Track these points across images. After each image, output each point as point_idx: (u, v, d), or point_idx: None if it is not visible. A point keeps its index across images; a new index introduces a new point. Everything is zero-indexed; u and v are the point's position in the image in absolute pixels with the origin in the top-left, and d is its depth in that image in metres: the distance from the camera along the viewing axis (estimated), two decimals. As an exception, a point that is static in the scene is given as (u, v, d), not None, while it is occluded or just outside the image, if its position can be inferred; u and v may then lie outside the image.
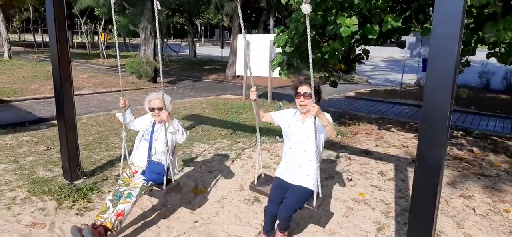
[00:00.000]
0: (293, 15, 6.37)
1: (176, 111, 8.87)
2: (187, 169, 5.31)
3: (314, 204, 3.18)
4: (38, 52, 25.82)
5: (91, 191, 4.41)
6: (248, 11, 23.26)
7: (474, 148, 6.51)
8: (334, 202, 4.38)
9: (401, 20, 5.60)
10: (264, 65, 10.59)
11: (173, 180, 3.71)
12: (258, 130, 3.58)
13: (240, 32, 17.57)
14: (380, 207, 4.27)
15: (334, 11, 5.93)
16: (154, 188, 3.63)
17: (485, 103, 12.40)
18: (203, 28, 53.78)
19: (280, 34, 6.39)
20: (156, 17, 3.34)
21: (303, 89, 3.23)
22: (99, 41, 25.14)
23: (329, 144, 6.53)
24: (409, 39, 13.85)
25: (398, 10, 6.25)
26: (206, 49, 36.63)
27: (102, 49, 24.15)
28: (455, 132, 7.78)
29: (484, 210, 4.19)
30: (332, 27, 5.79)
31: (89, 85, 12.12)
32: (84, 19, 26.63)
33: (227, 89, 13.69)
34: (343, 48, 6.11)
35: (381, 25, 5.83)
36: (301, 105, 3.26)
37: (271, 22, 22.35)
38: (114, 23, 4.10)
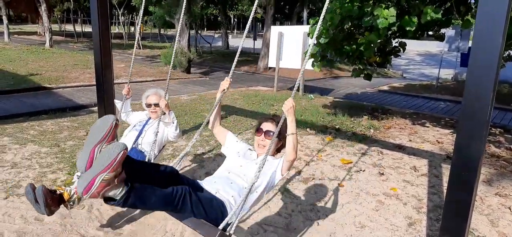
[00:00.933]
0: (329, 5, 6.30)
1: (209, 101, 9.02)
2: (218, 157, 5.42)
3: (220, 226, 2.14)
4: (78, 42, 26.81)
5: (127, 176, 4.59)
6: (282, 3, 23.17)
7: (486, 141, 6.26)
8: (364, 196, 4.35)
9: (441, 11, 5.43)
10: (297, 57, 10.56)
11: None
12: (202, 127, 2.82)
13: (274, 24, 17.54)
14: (412, 203, 4.20)
15: (371, 2, 5.82)
16: None
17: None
18: (236, 20, 53.96)
19: (315, 25, 6.34)
20: (183, 8, 3.41)
21: (266, 126, 2.72)
22: (136, 31, 25.79)
23: (361, 139, 6.46)
24: (448, 32, 13.36)
25: (438, 1, 6.06)
26: (239, 41, 36.82)
27: (138, 40, 24.77)
28: (493, 129, 7.49)
29: (523, 210, 4.05)
30: (369, 18, 5.70)
31: (125, 74, 12.49)
32: (121, 10, 27.40)
33: (259, 81, 13.75)
34: (379, 40, 6.01)
35: (419, 17, 5.68)
36: (259, 145, 2.71)
37: (305, 13, 22.16)
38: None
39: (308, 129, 6.79)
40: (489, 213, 3.99)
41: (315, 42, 6.58)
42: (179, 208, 2.09)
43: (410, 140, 6.58)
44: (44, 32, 23.24)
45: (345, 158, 5.50)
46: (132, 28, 35.15)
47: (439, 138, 6.73)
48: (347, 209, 4.06)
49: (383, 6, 5.65)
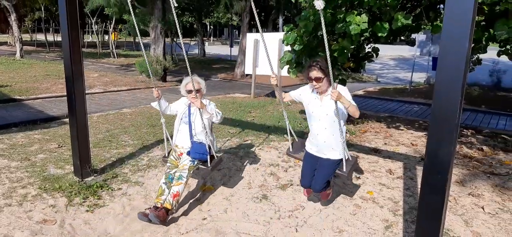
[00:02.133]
0: (303, 13, 6.37)
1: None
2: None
3: (344, 169, 3.50)
4: (49, 52, 26.14)
5: (101, 188, 4.47)
6: (257, 10, 23.28)
7: (484, 147, 6.45)
8: (342, 200, 4.38)
9: (412, 17, 5.57)
10: (273, 64, 10.59)
11: (215, 156, 4.10)
12: (283, 109, 4.12)
13: (250, 31, 17.60)
14: (388, 205, 4.26)
15: (343, 8, 5.91)
16: (200, 166, 4.04)
17: (496, 101, 12.24)
18: (212, 27, 53.91)
19: (289, 32, 6.39)
20: (174, 14, 3.46)
21: (313, 74, 3.41)
22: (109, 41, 25.34)
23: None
24: (419, 37, 13.72)
25: (408, 7, 6.22)
26: (215, 48, 36.75)
27: (113, 49, 24.36)
28: (464, 130, 7.72)
29: (493, 209, 4.16)
30: (341, 24, 5.78)
31: (99, 84, 12.25)
32: (94, 18, 26.90)
33: (236, 88, 13.74)
34: (352, 46, 6.10)
35: (391, 22, 5.80)
36: (315, 88, 3.50)
37: (280, 20, 22.33)
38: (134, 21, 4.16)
39: (285, 136, 6.80)
40: (463, 213, 4.08)
41: (290, 49, 6.64)
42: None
43: (385, 143, 6.69)
44: (14, 42, 22.54)
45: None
46: (106, 37, 34.50)
47: (413, 141, 6.87)
48: (325, 214, 4.08)
49: (355, 12, 5.74)
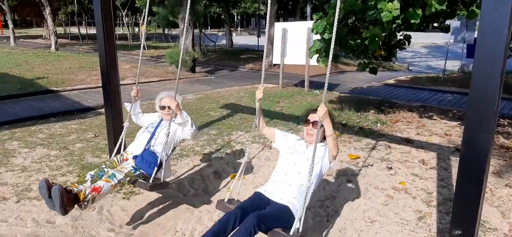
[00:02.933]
0: (332, 1, 6.28)
1: (215, 100, 9.04)
2: (226, 156, 5.43)
3: (291, 232, 2.57)
4: (83, 44, 26.95)
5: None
6: (284, -1, 23.14)
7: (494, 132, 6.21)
8: (373, 191, 4.34)
9: (446, 3, 5.39)
10: (301, 53, 10.54)
11: (161, 178, 3.56)
12: (247, 150, 3.22)
13: (277, 20, 17.50)
14: (422, 196, 4.19)
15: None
16: (140, 180, 3.44)
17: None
18: (239, 17, 53.93)
19: (319, 20, 6.33)
20: (188, 7, 3.44)
21: (313, 117, 3.02)
22: (140, 32, 25.85)
23: (368, 133, 6.45)
24: (453, 23, 13.24)
25: (442, -8, 6.00)
26: (242, 39, 36.78)
27: (143, 41, 24.85)
28: (501, 120, 7.43)
29: (534, 201, 4.02)
30: (372, 12, 5.66)
31: (131, 75, 12.54)
32: (125, 11, 27.48)
33: (264, 78, 13.72)
34: (384, 34, 5.98)
35: (424, 8, 5.64)
36: (308, 133, 3.07)
37: (308, 9, 22.08)
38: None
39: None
40: (500, 205, 3.96)
41: (319, 37, 6.57)
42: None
43: (418, 134, 6.55)
44: (49, 36, 23.38)
45: (352, 153, 5.49)
46: (136, 29, 35.20)
47: (447, 131, 6.69)
48: (356, 205, 4.06)
49: None
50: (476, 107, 2.30)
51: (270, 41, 17.09)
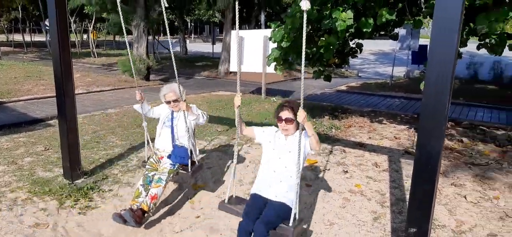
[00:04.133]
0: (290, 10, 6.45)
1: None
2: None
3: (290, 223, 2.94)
4: (27, 52, 25.53)
5: (92, 190, 4.47)
6: (239, 7, 23.27)
7: (464, 139, 6.68)
8: (331, 194, 4.50)
9: (395, 13, 5.72)
10: (258, 61, 10.67)
11: (196, 161, 4.08)
12: (236, 146, 3.41)
13: (233, 28, 17.59)
14: (376, 198, 4.40)
15: (329, 5, 6.02)
16: (180, 171, 4.01)
17: (473, 93, 12.62)
18: (192, 24, 53.54)
19: (277, 29, 6.46)
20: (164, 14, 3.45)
21: (284, 114, 3.15)
22: (89, 40, 24.92)
23: (324, 138, 6.66)
24: (400, 31, 14.01)
25: (391, 3, 6.37)
26: (196, 46, 36.55)
27: (93, 48, 23.99)
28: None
29: (475, 198, 4.35)
30: (327, 21, 5.88)
31: (82, 84, 12.08)
32: (73, 17, 26.40)
33: (220, 86, 13.75)
34: (338, 42, 6.21)
35: (375, 18, 5.95)
36: (283, 129, 3.20)
37: (262, 17, 22.38)
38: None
39: (273, 132, 6.89)
40: (447, 203, 4.25)
41: (276, 46, 6.71)
42: None
43: (370, 138, 6.85)
44: (-11, 43, 21.93)
45: (310, 158, 5.65)
46: (85, 36, 33.84)
47: (396, 134, 7.06)
48: (315, 208, 4.19)
49: (341, 9, 5.86)
50: (428, 114, 2.48)
51: (226, 49, 17.18)
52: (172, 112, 4.13)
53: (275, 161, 3.21)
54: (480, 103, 10.74)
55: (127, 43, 4.44)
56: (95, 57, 23.27)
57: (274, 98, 10.25)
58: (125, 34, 4.26)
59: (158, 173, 3.91)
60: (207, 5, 16.85)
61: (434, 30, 2.41)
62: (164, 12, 3.66)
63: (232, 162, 3.43)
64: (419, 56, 15.32)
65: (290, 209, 3.01)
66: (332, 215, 4.04)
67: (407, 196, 4.37)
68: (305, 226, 3.83)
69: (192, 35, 53.66)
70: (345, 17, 5.77)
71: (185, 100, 3.93)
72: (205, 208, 4.23)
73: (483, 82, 15.47)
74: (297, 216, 3.00)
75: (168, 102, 4.05)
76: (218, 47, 26.58)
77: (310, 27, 6.64)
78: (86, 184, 4.59)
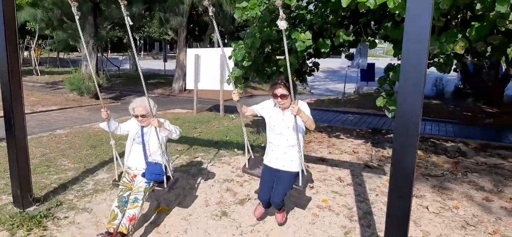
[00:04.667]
0: (249, 30, 6.48)
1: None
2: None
3: (300, 184, 3.65)
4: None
5: (46, 218, 4.13)
6: (191, 25, 23.14)
7: (418, 151, 6.98)
8: (300, 211, 4.49)
9: (352, 34, 5.93)
10: (215, 79, 10.60)
11: (171, 176, 4.00)
12: (243, 127, 4.05)
13: (186, 46, 17.40)
14: (344, 212, 4.45)
15: (288, 26, 6.12)
16: (156, 187, 3.92)
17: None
18: (141, 41, 52.39)
19: (237, 49, 6.46)
20: (129, 31, 3.31)
21: (279, 91, 3.54)
22: (32, 57, 23.51)
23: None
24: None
25: (346, 24, 6.61)
26: (146, 63, 35.70)
27: (35, 65, 22.67)
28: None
29: (436, 208, 4.53)
30: (288, 41, 5.96)
31: (26, 104, 11.27)
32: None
33: (176, 103, 13.47)
34: (297, 62, 6.32)
35: (331, 38, 6.13)
36: (279, 105, 3.63)
37: (216, 36, 22.37)
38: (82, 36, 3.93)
39: (235, 150, 6.83)
40: (411, 214, 4.38)
41: (235, 64, 6.71)
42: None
43: (330, 152, 6.98)
44: None
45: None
46: (26, 53, 31.92)
47: (354, 148, 7.25)
48: (285, 226, 4.15)
49: (299, 30, 5.99)
50: (402, 132, 2.54)
51: (180, 67, 16.94)
52: (142, 127, 3.94)
53: (277, 137, 3.71)
54: (428, 117, 11.35)
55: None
56: (38, 75, 22.01)
57: (232, 116, 10.19)
58: (85, 49, 4.04)
59: (133, 193, 3.76)
60: (159, 23, 16.54)
61: (405, 50, 2.49)
62: (129, 30, 3.48)
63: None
64: (367, 73, 16.05)
65: (296, 173, 3.67)
66: (303, 232, 4.02)
67: (374, 210, 4.49)
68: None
69: (142, 52, 52.45)
70: (304, 38, 5.92)
71: (155, 116, 3.77)
72: (171, 232, 4.04)
73: (428, 97, 16.41)
74: (305, 172, 3.66)
75: (136, 117, 3.89)
76: (169, 65, 26.18)
77: (270, 46, 6.71)
78: (39, 211, 4.22)
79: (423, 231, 3.98)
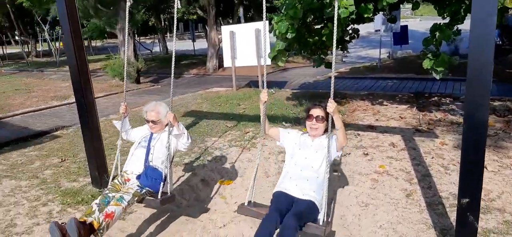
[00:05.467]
0: (288, 1, 6.51)
1: (174, 110, 8.88)
2: (208, 163, 5.45)
3: (321, 223, 2.86)
4: (4, 66, 24.76)
5: (124, 196, 4.47)
6: (220, 3, 23.18)
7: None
8: (358, 177, 4.65)
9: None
10: (251, 54, 10.72)
11: (168, 191, 3.52)
12: (260, 148, 3.45)
13: (216, 23, 17.53)
14: (402, 176, 4.58)
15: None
16: (148, 197, 3.42)
17: (458, 68, 13.01)
18: (167, 23, 52.81)
19: (280, 22, 6.53)
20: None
21: (316, 112, 3.23)
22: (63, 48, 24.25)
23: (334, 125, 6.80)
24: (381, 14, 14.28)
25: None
26: (176, 44, 36.08)
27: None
28: (443, 99, 8.26)
29: (495, 167, 4.58)
30: (329, 9, 6.00)
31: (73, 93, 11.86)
32: (47, 26, 25.66)
33: (212, 82, 13.74)
34: (341, 29, 6.35)
35: (374, 2, 6.11)
36: (311, 128, 3.24)
37: (241, 11, 22.32)
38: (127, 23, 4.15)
39: (283, 123, 7.01)
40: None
41: (282, 37, 6.79)
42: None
43: (377, 120, 7.05)
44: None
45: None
46: (57, 44, 33.00)
47: (401, 114, 7.28)
48: (347, 192, 4.34)
49: None
50: (474, 87, 2.66)
51: (212, 45, 17.14)
52: (152, 134, 3.77)
53: (301, 160, 3.20)
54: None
55: (126, 44, 4.44)
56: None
57: (272, 90, 10.34)
58: (126, 32, 4.26)
59: (121, 193, 3.33)
60: (187, 3, 16.69)
61: (475, 12, 2.58)
62: (175, 12, 3.58)
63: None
64: (401, 36, 15.72)
65: (317, 209, 2.95)
66: (365, 197, 4.19)
67: (432, 172, 4.59)
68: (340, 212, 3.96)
69: (168, 34, 52.96)
70: (346, 4, 5.90)
71: (175, 116, 3.56)
72: (239, 202, 4.30)
73: (465, 57, 15.93)
74: (324, 219, 2.87)
75: (147, 122, 3.75)
76: (197, 44, 26.44)
77: (312, 16, 6.75)
78: (116, 190, 4.58)
79: (484, 189, 4.05)
